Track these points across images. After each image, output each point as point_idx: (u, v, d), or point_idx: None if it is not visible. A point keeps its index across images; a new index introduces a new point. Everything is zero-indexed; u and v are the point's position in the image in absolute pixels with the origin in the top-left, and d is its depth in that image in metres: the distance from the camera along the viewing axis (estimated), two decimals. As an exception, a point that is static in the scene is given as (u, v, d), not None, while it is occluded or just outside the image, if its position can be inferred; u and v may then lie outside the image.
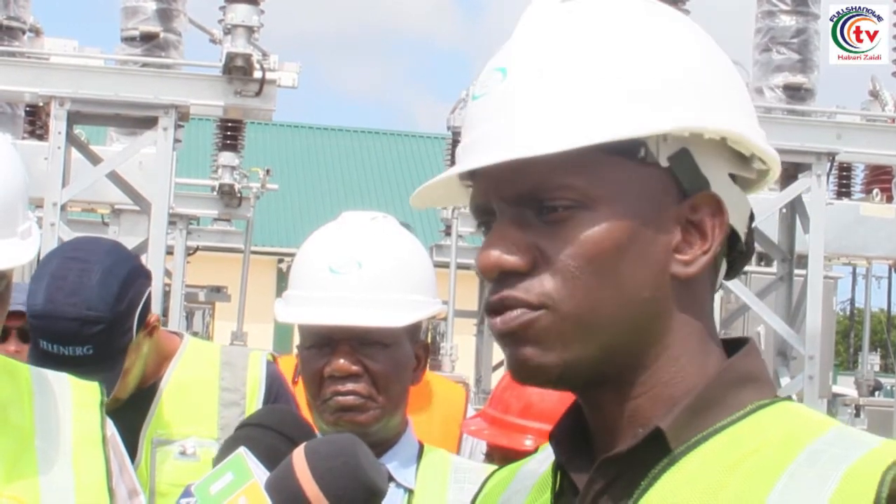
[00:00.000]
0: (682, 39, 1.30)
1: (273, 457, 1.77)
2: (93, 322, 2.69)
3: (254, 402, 2.88)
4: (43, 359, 2.66)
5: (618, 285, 1.25)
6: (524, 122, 1.25)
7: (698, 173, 1.29)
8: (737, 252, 1.34)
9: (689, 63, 1.29)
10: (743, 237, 1.34)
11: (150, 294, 2.84)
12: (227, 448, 1.84)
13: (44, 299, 2.72)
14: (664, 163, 1.27)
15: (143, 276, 2.85)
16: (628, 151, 1.25)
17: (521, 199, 1.26)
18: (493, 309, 1.27)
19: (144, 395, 2.91)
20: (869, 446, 1.21)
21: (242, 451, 1.74)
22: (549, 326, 1.25)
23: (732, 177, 1.33)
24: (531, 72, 1.26)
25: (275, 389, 2.89)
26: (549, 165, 1.23)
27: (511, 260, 1.26)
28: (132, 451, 2.81)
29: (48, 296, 2.72)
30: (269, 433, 1.89)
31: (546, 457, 1.41)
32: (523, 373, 1.28)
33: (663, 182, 1.27)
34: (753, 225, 1.37)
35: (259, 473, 1.71)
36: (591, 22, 1.29)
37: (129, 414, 2.86)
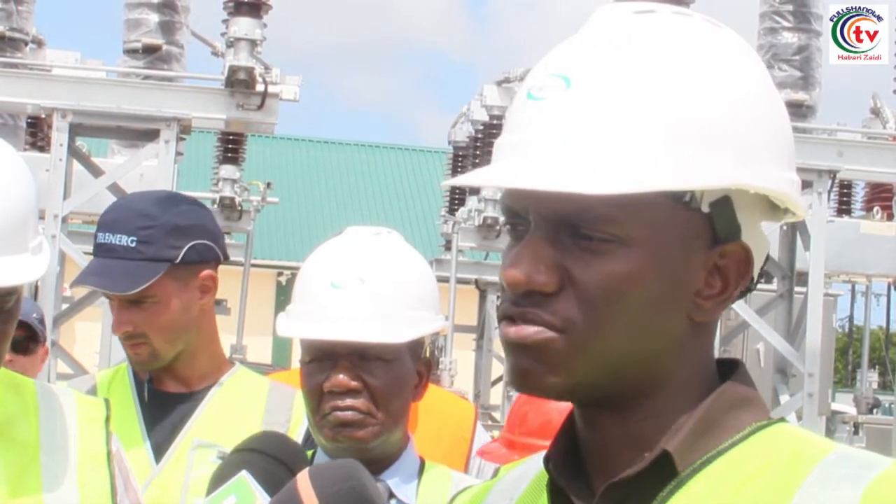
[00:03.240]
0: (744, 77, 1.28)
1: (269, 481, 1.76)
2: (145, 216, 2.86)
3: (296, 431, 2.90)
4: (94, 252, 2.89)
5: (638, 323, 1.25)
6: (584, 151, 1.22)
7: (734, 221, 1.28)
8: (744, 287, 1.33)
9: (750, 109, 1.27)
10: (755, 276, 1.33)
11: (213, 254, 2.95)
12: (224, 472, 1.83)
13: (119, 200, 3.02)
14: (706, 209, 1.26)
15: (214, 233, 2.99)
16: (676, 195, 1.24)
17: (559, 221, 1.25)
18: (510, 317, 1.27)
19: (193, 398, 2.96)
20: (880, 467, 1.22)
21: (245, 474, 1.74)
22: (562, 351, 1.24)
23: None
24: (593, 93, 1.23)
25: None
26: (596, 196, 1.21)
27: (540, 280, 1.24)
28: (168, 447, 2.87)
29: (120, 199, 3.05)
30: (264, 458, 1.88)
31: (521, 479, 1.40)
32: (524, 385, 1.27)
33: (699, 227, 1.26)
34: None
35: (261, 497, 1.70)
36: (661, 47, 1.26)
37: (175, 412, 2.92)
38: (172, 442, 2.89)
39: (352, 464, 1.73)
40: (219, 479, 1.85)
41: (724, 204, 1.27)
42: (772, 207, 1.32)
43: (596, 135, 1.22)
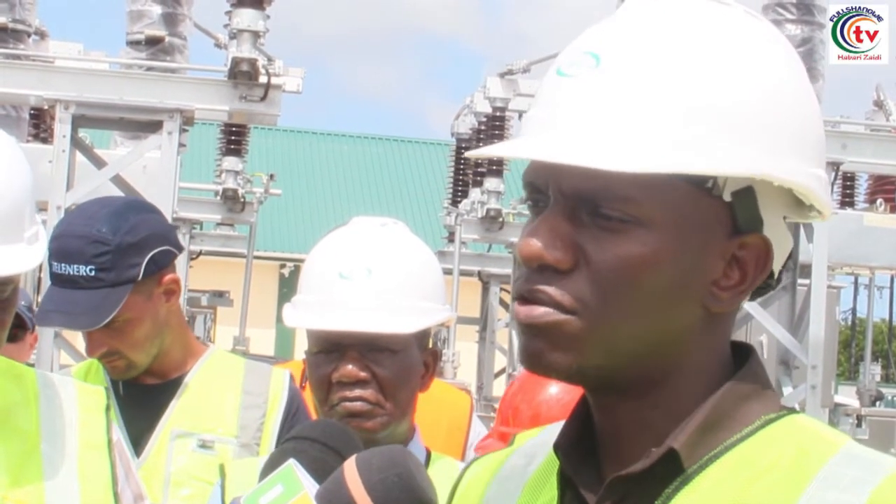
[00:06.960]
0: (778, 68, 1.27)
1: (321, 469, 1.75)
2: (99, 242, 2.80)
3: (275, 410, 2.92)
4: (52, 281, 2.83)
5: (651, 308, 1.23)
6: (609, 129, 1.22)
7: (756, 213, 1.27)
8: (765, 283, 1.33)
9: (779, 98, 1.26)
10: (777, 273, 1.32)
11: (171, 256, 2.93)
12: (275, 460, 1.82)
13: (63, 223, 2.92)
14: (728, 197, 1.25)
15: (166, 235, 2.96)
16: (697, 180, 1.23)
17: (579, 197, 1.23)
18: (522, 297, 1.25)
19: (168, 387, 2.95)
20: (887, 469, 1.21)
21: (292, 462, 1.73)
22: (573, 333, 1.23)
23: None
24: (623, 73, 1.23)
25: (295, 405, 2.94)
26: (616, 175, 1.20)
27: (554, 255, 1.23)
28: (147, 439, 2.87)
29: (67, 220, 2.94)
30: (315, 445, 1.87)
31: (534, 454, 1.39)
32: (535, 366, 1.26)
33: (720, 215, 1.25)
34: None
35: (309, 485, 1.69)
36: (694, 32, 1.25)
37: (152, 403, 2.92)
38: (151, 434, 2.89)
39: (399, 450, 1.72)
40: (269, 467, 1.84)
41: (746, 194, 1.25)
42: (797, 203, 1.30)
43: (622, 114, 1.22)
